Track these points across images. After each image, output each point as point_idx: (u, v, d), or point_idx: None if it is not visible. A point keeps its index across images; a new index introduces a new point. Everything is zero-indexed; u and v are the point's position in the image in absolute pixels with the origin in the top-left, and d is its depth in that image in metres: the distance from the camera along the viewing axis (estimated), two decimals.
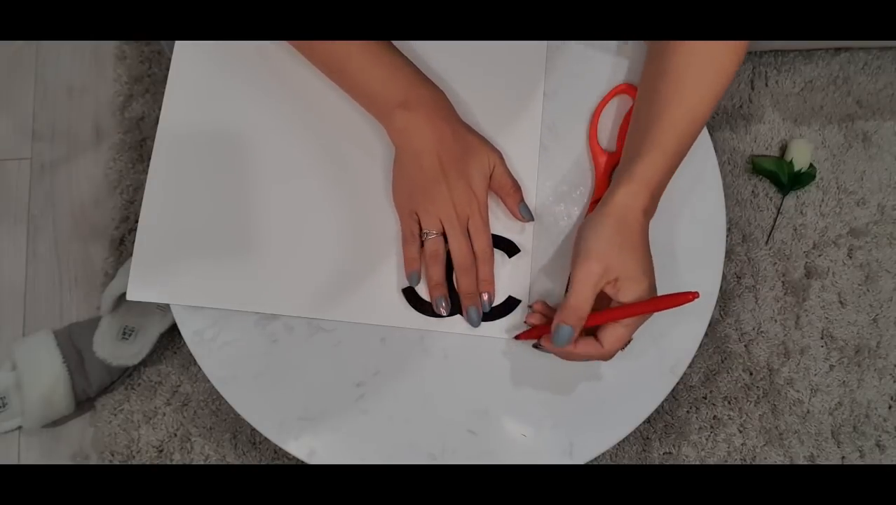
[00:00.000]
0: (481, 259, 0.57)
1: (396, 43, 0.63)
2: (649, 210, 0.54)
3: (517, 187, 0.59)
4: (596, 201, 0.60)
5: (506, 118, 0.62)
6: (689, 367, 0.91)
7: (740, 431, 0.94)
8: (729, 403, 0.95)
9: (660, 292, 0.60)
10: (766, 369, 0.96)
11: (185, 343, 0.60)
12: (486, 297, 0.58)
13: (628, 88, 0.63)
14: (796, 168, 0.99)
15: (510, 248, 0.60)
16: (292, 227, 0.60)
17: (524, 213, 0.58)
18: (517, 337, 0.58)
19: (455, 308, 0.58)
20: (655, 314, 0.59)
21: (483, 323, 0.59)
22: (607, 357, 0.53)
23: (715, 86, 0.55)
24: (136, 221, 0.64)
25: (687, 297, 0.49)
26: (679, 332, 0.59)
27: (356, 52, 0.56)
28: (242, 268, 0.59)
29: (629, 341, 0.54)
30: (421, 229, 0.57)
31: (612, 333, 0.52)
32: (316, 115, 0.62)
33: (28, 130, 1.05)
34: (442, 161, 0.55)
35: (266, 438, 0.69)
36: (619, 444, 0.89)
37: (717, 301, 0.77)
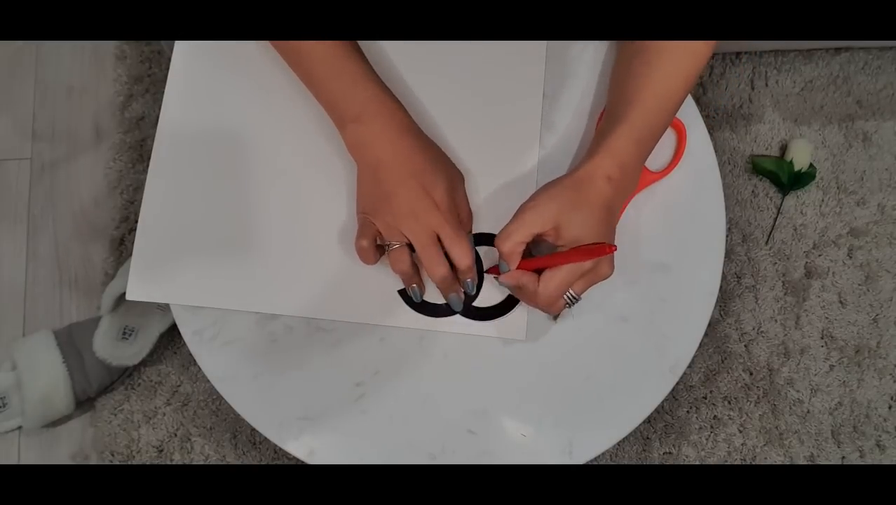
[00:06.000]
0: (462, 272, 0.55)
1: (397, 43, 0.63)
2: (615, 179, 0.53)
3: (469, 217, 0.58)
4: None
5: (506, 118, 0.62)
6: (689, 367, 0.91)
7: (740, 431, 0.94)
8: (729, 403, 0.95)
9: (660, 291, 0.60)
10: (766, 369, 0.96)
11: (185, 343, 0.60)
12: (468, 280, 0.56)
13: None
14: (796, 168, 0.99)
15: None
16: (292, 227, 0.60)
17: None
18: (486, 271, 0.59)
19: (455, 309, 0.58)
20: (655, 313, 0.59)
21: (483, 323, 0.59)
22: (544, 301, 0.53)
23: (687, 66, 0.55)
24: (136, 221, 0.64)
25: (603, 248, 0.51)
26: (679, 332, 0.59)
27: (322, 60, 0.55)
28: (242, 268, 0.59)
29: (575, 299, 0.54)
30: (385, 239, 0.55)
31: (546, 278, 0.53)
32: (316, 114, 0.62)
33: (28, 130, 1.05)
34: (400, 174, 0.53)
35: (266, 438, 0.69)
36: (619, 444, 0.89)
37: (717, 301, 0.77)
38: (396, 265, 0.55)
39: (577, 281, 0.53)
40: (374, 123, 0.54)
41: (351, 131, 0.55)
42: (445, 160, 0.57)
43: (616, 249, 0.51)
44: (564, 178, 0.54)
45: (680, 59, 0.55)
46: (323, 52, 0.55)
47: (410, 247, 0.55)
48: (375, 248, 0.56)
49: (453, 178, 0.56)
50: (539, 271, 0.54)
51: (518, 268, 0.54)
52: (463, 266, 0.55)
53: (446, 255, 0.55)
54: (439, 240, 0.54)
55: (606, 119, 0.57)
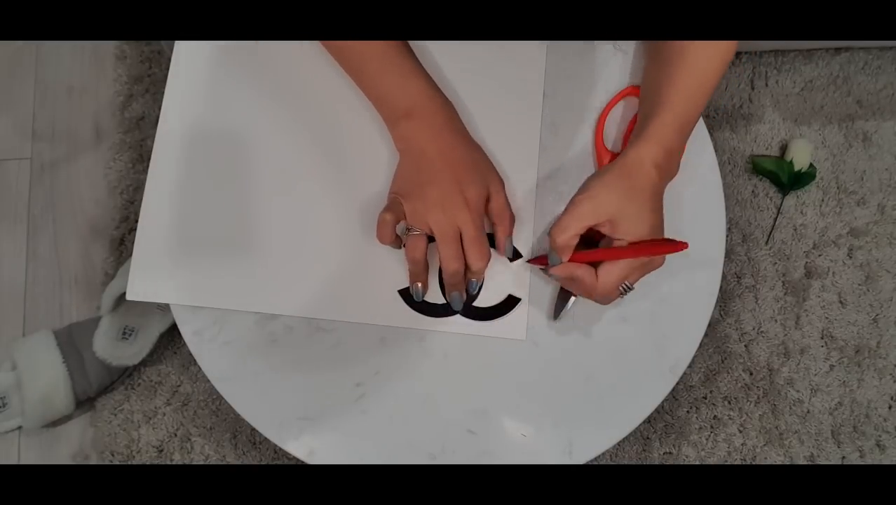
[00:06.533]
0: (473, 273, 0.56)
1: None
2: (662, 166, 0.54)
3: (512, 219, 0.58)
4: None
5: (506, 118, 0.62)
6: (689, 367, 0.91)
7: (740, 431, 0.94)
8: (729, 403, 0.95)
9: (660, 291, 0.60)
10: (766, 369, 0.96)
11: (185, 343, 0.60)
12: (474, 280, 0.57)
13: (634, 91, 0.63)
14: (796, 168, 0.99)
15: (513, 254, 0.60)
16: (292, 227, 0.60)
17: (507, 248, 0.57)
18: (529, 261, 0.59)
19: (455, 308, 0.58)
20: (655, 313, 0.59)
21: (483, 323, 0.59)
22: (602, 294, 0.54)
23: (719, 50, 0.55)
24: (136, 221, 0.64)
25: (677, 245, 0.51)
26: (679, 332, 0.59)
27: (375, 55, 0.56)
28: (242, 268, 0.59)
29: (629, 289, 0.55)
30: (407, 228, 0.56)
31: (606, 271, 0.54)
32: (316, 114, 0.62)
33: (28, 130, 1.05)
34: (439, 167, 0.54)
35: (266, 438, 0.69)
36: (619, 444, 0.89)
37: (717, 301, 0.77)
38: (412, 252, 0.55)
39: (633, 272, 0.54)
40: (424, 120, 0.55)
41: (403, 126, 0.55)
42: (487, 164, 0.57)
43: (688, 247, 0.52)
44: (614, 167, 0.55)
45: (714, 43, 0.55)
46: (374, 49, 0.56)
47: (430, 239, 0.55)
48: (395, 227, 0.56)
49: (492, 181, 0.56)
50: (594, 263, 0.54)
51: (571, 260, 0.55)
52: (476, 268, 0.55)
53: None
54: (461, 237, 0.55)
55: (644, 103, 0.58)
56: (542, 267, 0.58)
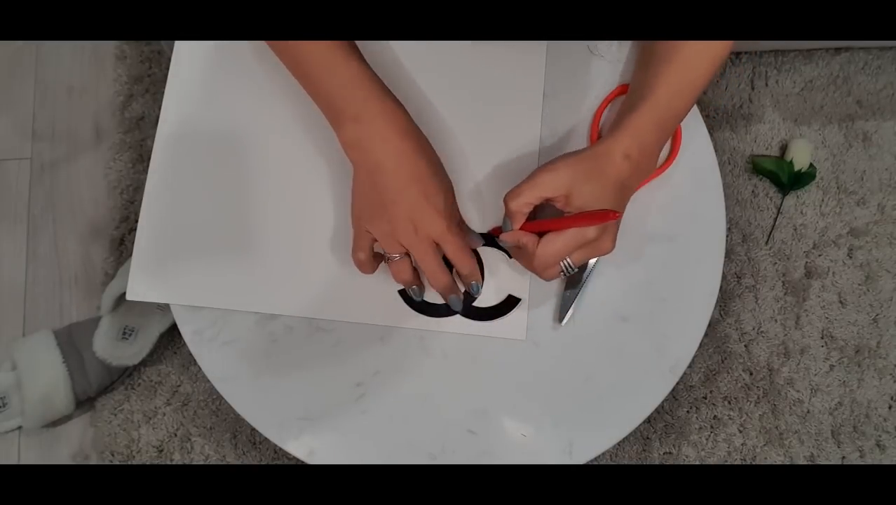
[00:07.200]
0: (465, 277, 0.55)
1: (397, 43, 0.63)
2: (633, 158, 0.53)
3: (469, 259, 0.56)
4: None
5: (506, 118, 0.62)
6: (689, 367, 0.91)
7: (740, 431, 0.94)
8: (729, 403, 0.95)
9: (660, 291, 0.60)
10: (766, 369, 0.96)
11: (185, 343, 0.60)
12: (473, 283, 0.56)
13: (626, 89, 0.63)
14: (796, 168, 0.99)
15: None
16: (292, 227, 0.60)
17: (475, 289, 0.56)
18: (490, 231, 0.59)
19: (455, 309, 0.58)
20: (655, 313, 0.59)
21: (483, 323, 0.59)
22: (539, 265, 0.53)
23: (711, 49, 0.55)
24: (136, 221, 0.64)
25: (606, 214, 0.50)
26: (679, 332, 0.59)
27: (320, 60, 0.53)
28: (242, 268, 0.59)
29: (571, 269, 0.53)
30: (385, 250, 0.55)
31: (545, 241, 0.53)
32: (315, 114, 0.62)
33: (28, 130, 1.05)
34: (400, 181, 0.51)
35: (266, 438, 0.69)
36: (619, 444, 0.89)
37: (717, 301, 0.77)
38: (399, 276, 0.54)
39: (577, 250, 0.53)
40: (373, 124, 0.52)
41: (349, 131, 0.52)
42: (440, 165, 0.55)
43: (620, 217, 0.50)
44: (584, 150, 0.54)
45: (706, 43, 0.55)
46: (321, 52, 0.53)
47: (409, 255, 0.54)
48: (373, 257, 0.55)
49: (450, 184, 0.55)
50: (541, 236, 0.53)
51: (521, 229, 0.54)
52: (466, 273, 0.55)
53: (446, 260, 0.54)
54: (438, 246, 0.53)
55: (629, 97, 0.58)
56: (496, 235, 0.58)
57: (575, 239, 0.52)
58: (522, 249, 0.54)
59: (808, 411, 0.95)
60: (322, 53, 0.53)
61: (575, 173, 0.52)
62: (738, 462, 0.93)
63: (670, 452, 0.93)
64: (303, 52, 0.54)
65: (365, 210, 0.53)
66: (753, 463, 0.93)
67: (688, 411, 0.94)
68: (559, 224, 0.52)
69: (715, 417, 0.94)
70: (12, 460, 0.92)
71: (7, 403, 0.88)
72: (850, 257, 0.99)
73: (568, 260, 0.53)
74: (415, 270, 0.55)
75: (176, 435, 0.91)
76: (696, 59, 0.55)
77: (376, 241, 0.54)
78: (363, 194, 0.54)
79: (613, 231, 0.54)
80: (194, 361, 0.59)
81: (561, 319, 0.58)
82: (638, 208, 0.61)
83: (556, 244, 0.52)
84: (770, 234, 1.00)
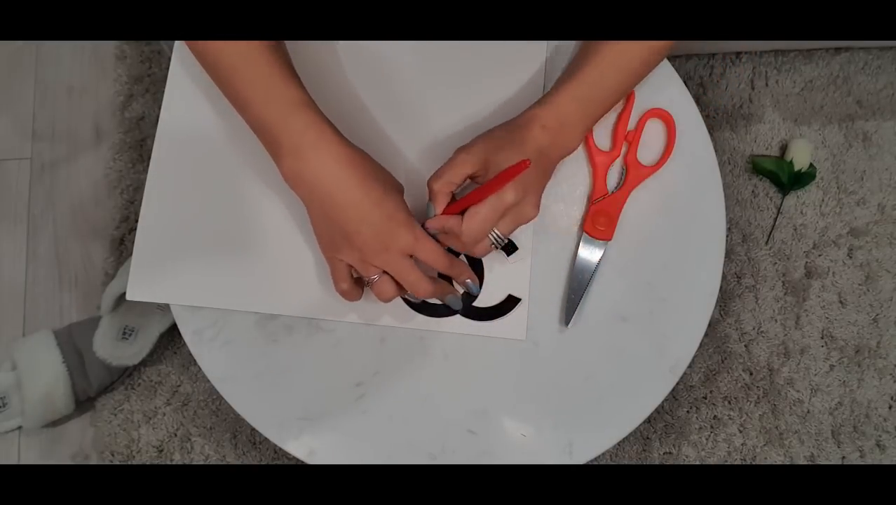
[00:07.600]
0: (455, 276, 0.55)
1: (397, 43, 0.63)
2: (550, 130, 0.54)
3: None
4: (595, 200, 0.60)
5: (506, 118, 0.62)
6: (689, 367, 0.91)
7: (740, 431, 0.94)
8: (729, 403, 0.95)
9: (660, 291, 0.60)
10: (766, 369, 0.96)
11: (185, 343, 0.60)
12: (468, 281, 0.56)
13: None
14: (796, 168, 0.99)
15: (508, 247, 0.60)
16: (292, 227, 0.60)
17: (471, 288, 0.56)
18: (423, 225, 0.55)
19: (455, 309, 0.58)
20: (655, 313, 0.59)
21: (483, 323, 0.59)
22: (467, 241, 0.53)
23: (643, 49, 0.56)
24: (136, 221, 0.64)
25: (519, 166, 0.48)
26: (679, 332, 0.59)
27: (252, 82, 0.52)
28: (242, 268, 0.59)
29: (502, 241, 0.54)
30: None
31: (468, 214, 0.52)
32: None
33: (28, 130, 1.05)
34: (352, 208, 0.50)
35: (266, 438, 0.69)
36: (619, 444, 0.89)
37: (717, 301, 0.77)
38: (383, 296, 0.53)
39: (501, 220, 0.53)
40: (315, 156, 0.50)
41: (289, 164, 0.51)
42: (385, 171, 0.54)
43: (530, 164, 0.48)
44: (501, 124, 0.55)
45: (639, 42, 0.56)
46: (253, 74, 0.51)
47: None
48: (355, 284, 0.55)
49: (398, 186, 0.54)
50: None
51: (444, 213, 0.54)
52: (454, 274, 0.54)
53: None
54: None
55: (561, 75, 0.60)
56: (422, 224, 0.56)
57: (495, 207, 0.52)
58: (450, 232, 0.53)
59: (808, 411, 0.95)
60: (254, 75, 0.52)
61: (489, 145, 0.53)
62: (738, 462, 0.93)
63: (670, 452, 0.93)
64: (230, 69, 0.52)
65: (331, 243, 0.53)
66: (753, 463, 0.93)
67: (688, 411, 0.94)
68: (477, 194, 0.52)
69: (715, 417, 0.94)
70: (12, 460, 0.92)
71: (7, 403, 0.88)
72: (850, 257, 1.00)
73: (496, 232, 0.53)
74: (398, 283, 0.53)
75: (176, 435, 0.91)
76: (632, 45, 0.56)
77: (352, 266, 0.53)
78: (323, 229, 0.53)
79: (534, 197, 0.54)
80: (194, 361, 0.59)
81: (567, 321, 0.58)
82: (638, 208, 0.61)
83: (479, 215, 0.52)
84: (770, 234, 1.00)
